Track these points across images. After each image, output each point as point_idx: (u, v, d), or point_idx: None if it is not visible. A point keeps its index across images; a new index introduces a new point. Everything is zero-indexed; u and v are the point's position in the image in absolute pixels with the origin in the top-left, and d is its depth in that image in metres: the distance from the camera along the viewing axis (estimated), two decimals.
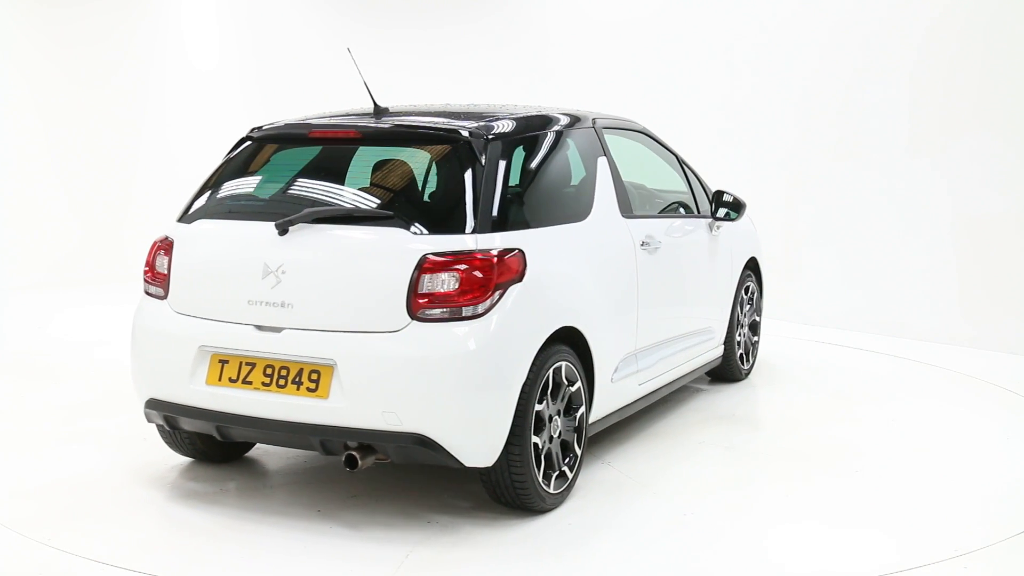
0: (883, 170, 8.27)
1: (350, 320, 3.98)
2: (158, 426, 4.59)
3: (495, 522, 4.19)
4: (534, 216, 4.34)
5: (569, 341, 4.38)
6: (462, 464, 3.95)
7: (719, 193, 5.92)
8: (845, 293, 8.41)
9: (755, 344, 6.67)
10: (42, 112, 10.50)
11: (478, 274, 3.92)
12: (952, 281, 7.92)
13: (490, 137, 4.25)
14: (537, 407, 4.13)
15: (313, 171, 4.51)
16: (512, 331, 3.98)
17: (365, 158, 4.55)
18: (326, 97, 8.70)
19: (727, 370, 6.37)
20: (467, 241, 3.97)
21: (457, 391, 3.87)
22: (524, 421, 4.04)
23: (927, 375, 6.84)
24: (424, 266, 3.90)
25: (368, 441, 3.96)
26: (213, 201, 4.51)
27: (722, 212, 5.91)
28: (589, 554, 3.93)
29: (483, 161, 4.16)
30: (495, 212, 4.08)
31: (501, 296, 3.96)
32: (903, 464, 4.98)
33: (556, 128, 4.79)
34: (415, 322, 3.90)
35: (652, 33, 9.62)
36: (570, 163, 4.89)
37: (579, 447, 4.46)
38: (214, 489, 4.60)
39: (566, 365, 4.31)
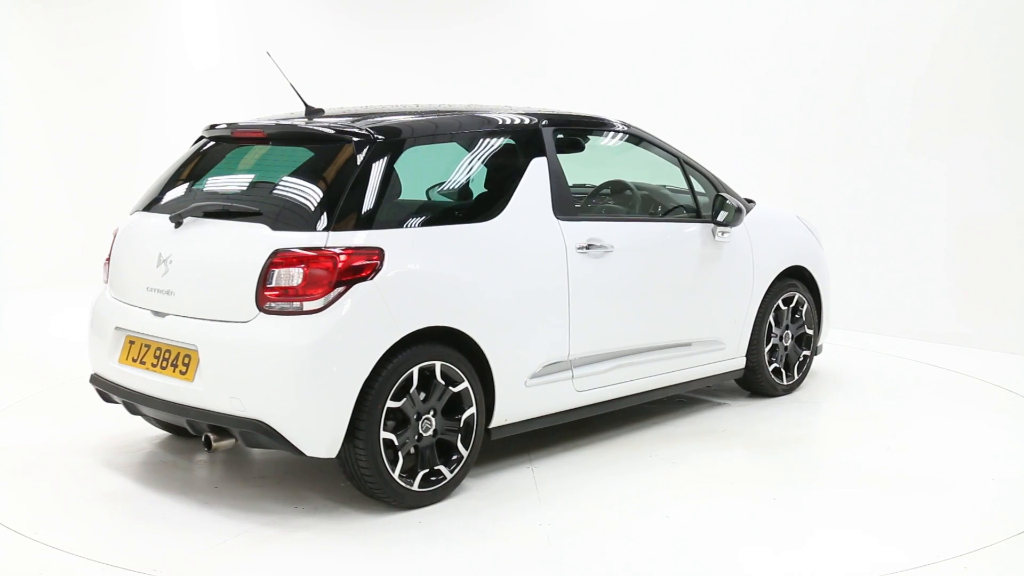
0: (883, 170, 8.27)
1: (213, 309, 4.27)
2: None
3: (350, 514, 4.32)
4: (409, 216, 4.42)
5: (456, 342, 4.43)
6: (303, 453, 4.12)
7: (719, 198, 5.58)
8: (844, 293, 8.40)
9: (805, 358, 6.24)
10: (42, 112, 10.49)
11: (320, 270, 4.08)
12: (952, 281, 7.93)
13: (371, 139, 4.39)
14: (393, 404, 4.22)
15: (227, 168, 4.81)
16: (352, 327, 4.09)
17: (271, 157, 4.76)
18: (325, 97, 8.70)
19: (756, 384, 6.02)
20: (319, 238, 4.14)
21: (292, 383, 4.06)
22: (371, 416, 4.14)
23: (926, 375, 6.83)
24: (274, 261, 4.11)
25: (221, 424, 4.22)
26: (151, 195, 4.88)
27: (723, 216, 5.57)
28: (407, 556, 3.94)
29: (360, 162, 4.31)
30: (358, 212, 4.23)
31: (343, 293, 4.09)
32: (901, 464, 4.98)
33: (466, 130, 4.81)
34: (262, 314, 4.12)
35: (654, 33, 9.61)
36: (480, 164, 4.84)
37: (465, 448, 4.47)
38: (162, 460, 5.04)
39: (442, 365, 4.35)
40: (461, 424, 4.46)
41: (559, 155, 5.11)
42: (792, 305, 6.11)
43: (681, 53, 9.45)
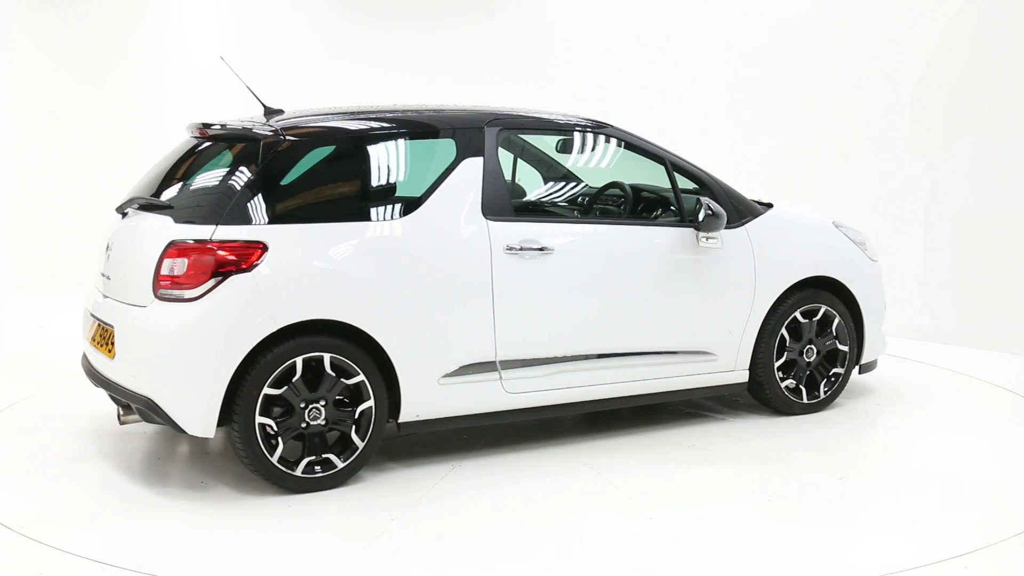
0: (883, 170, 8.27)
1: (127, 294, 4.62)
2: None
3: (231, 493, 4.57)
4: (306, 212, 4.59)
5: (359, 337, 4.54)
6: (185, 431, 4.41)
7: (698, 201, 5.25)
8: None
9: (835, 376, 5.79)
10: (42, 112, 10.50)
11: (200, 261, 4.36)
12: (952, 281, 7.93)
13: (271, 140, 4.63)
14: (273, 391, 4.41)
15: (178, 165, 5.01)
16: (224, 316, 4.34)
17: (206, 155, 4.94)
18: (324, 97, 8.70)
19: (767, 400, 5.68)
20: (206, 231, 4.42)
21: (169, 364, 4.39)
22: (247, 401, 4.38)
23: (926, 375, 6.83)
24: (168, 251, 4.42)
25: (127, 400, 4.57)
26: (132, 189, 5.17)
27: (702, 219, 5.22)
28: (239, 530, 4.14)
29: (256, 161, 4.58)
30: (247, 207, 4.48)
31: (219, 284, 4.34)
32: (901, 463, 4.98)
33: (388, 130, 4.86)
34: (157, 300, 4.44)
35: (653, 35, 9.61)
36: (400, 163, 4.87)
37: (362, 440, 4.58)
38: (135, 434, 5.45)
39: (332, 357, 4.49)
40: (356, 416, 4.56)
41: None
42: (818, 318, 5.69)
43: (680, 55, 9.44)
